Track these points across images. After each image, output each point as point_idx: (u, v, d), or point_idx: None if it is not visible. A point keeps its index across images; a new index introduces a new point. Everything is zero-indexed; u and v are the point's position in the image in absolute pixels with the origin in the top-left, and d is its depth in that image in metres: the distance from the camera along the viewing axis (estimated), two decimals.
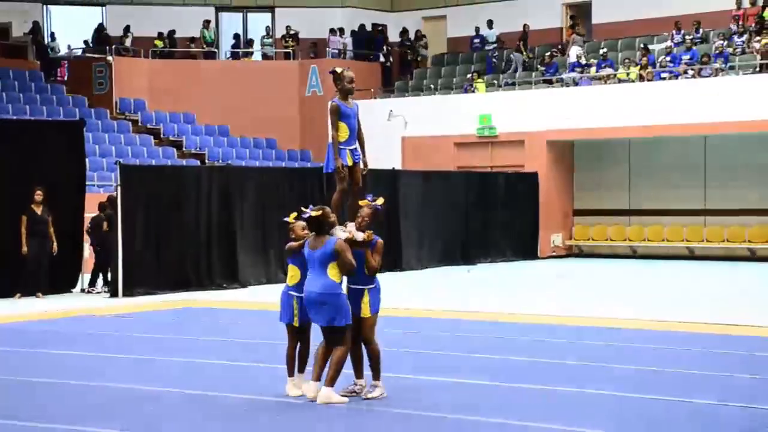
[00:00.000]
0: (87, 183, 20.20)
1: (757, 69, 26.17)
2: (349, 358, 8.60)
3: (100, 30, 33.03)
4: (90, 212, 19.32)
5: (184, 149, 29.98)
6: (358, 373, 8.80)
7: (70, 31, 33.97)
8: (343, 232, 8.56)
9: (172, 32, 33.08)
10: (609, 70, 28.41)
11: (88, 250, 19.39)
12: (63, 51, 33.60)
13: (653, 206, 27.93)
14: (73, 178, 18.95)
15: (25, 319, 14.96)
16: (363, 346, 8.71)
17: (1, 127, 19.40)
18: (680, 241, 27.35)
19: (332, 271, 8.43)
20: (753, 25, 27.88)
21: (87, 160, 21.33)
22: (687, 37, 28.35)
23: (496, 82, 30.41)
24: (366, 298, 8.58)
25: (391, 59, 34.38)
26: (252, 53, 34.32)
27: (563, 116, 27.28)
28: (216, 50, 33.55)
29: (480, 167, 28.36)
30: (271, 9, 35.08)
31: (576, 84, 28.66)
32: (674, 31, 29.01)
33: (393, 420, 8.05)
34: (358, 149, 9.07)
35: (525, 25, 32.07)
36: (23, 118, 26.17)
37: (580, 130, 27.31)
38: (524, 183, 27.50)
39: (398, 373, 9.52)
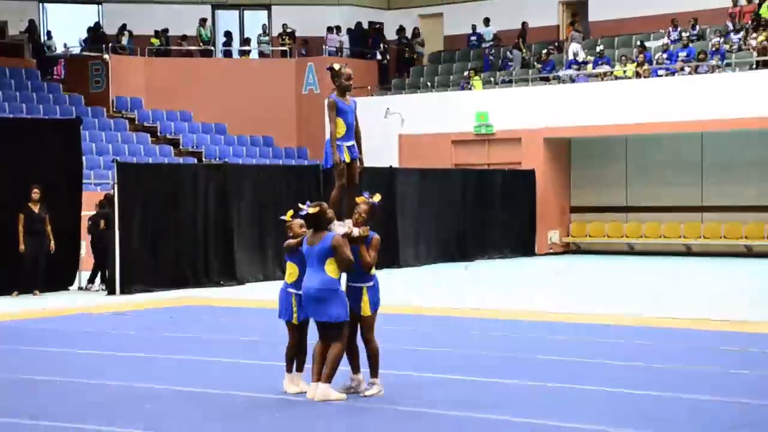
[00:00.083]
0: (84, 181, 20.21)
1: (754, 66, 26.19)
2: (345, 354, 8.60)
3: (96, 29, 32.99)
4: (87, 211, 19.33)
5: (181, 147, 29.97)
6: (355, 368, 8.80)
7: (66, 29, 33.93)
8: (341, 228, 8.57)
9: (165, 30, 33.05)
10: (606, 68, 28.42)
11: (85, 249, 19.40)
12: (59, 49, 33.57)
13: (650, 203, 27.95)
14: (70, 176, 18.95)
15: (23, 317, 14.95)
16: (359, 341, 8.72)
17: None
18: (677, 237, 27.38)
19: (330, 267, 8.44)
20: (749, 22, 27.89)
21: (84, 158, 21.34)
22: (684, 34, 28.35)
23: (492, 79, 30.41)
24: (365, 296, 8.59)
25: (387, 57, 34.37)
26: (249, 51, 34.29)
27: (560, 114, 27.29)
28: (212, 48, 33.53)
29: (477, 165, 28.37)
30: (267, 7, 35.07)
31: (573, 81, 28.67)
32: (671, 29, 29.01)
33: (391, 417, 8.06)
34: (355, 146, 9.07)
35: (524, 23, 32.08)
36: (20, 116, 26.17)
37: (577, 127, 27.32)
38: (521, 180, 27.51)
39: (396, 370, 9.52)
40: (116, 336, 12.84)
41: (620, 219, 28.42)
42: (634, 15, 31.02)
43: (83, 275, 19.23)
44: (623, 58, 28.54)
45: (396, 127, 29.53)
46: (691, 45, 27.75)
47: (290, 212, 8.94)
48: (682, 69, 27.17)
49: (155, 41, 32.84)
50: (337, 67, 9.10)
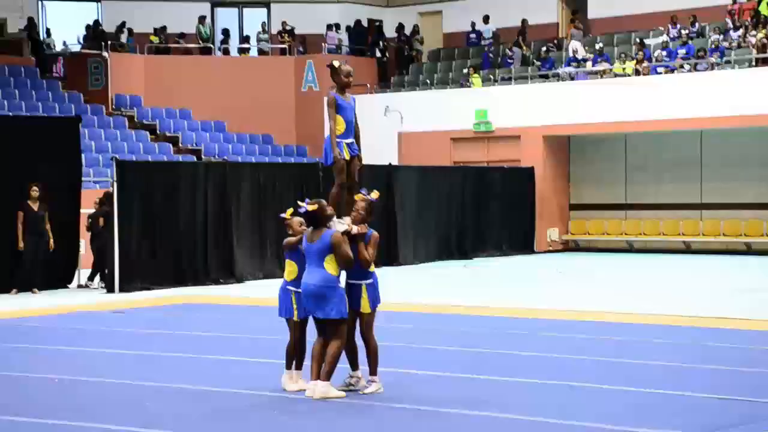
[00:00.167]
0: (83, 179, 20.20)
1: (753, 63, 26.19)
2: (344, 352, 8.60)
3: (95, 26, 32.95)
4: (86, 208, 19.32)
5: (180, 145, 29.94)
6: (354, 366, 8.80)
7: (65, 27, 33.91)
8: (341, 225, 8.56)
9: (163, 28, 33.01)
10: (605, 65, 28.41)
11: (84, 246, 19.40)
12: (59, 47, 33.54)
13: (650, 200, 27.95)
14: (69, 174, 18.94)
15: (22, 315, 14.94)
16: (358, 339, 8.72)
17: None
18: (677, 235, 27.37)
19: (330, 265, 8.43)
20: (748, 19, 27.88)
21: (83, 156, 21.31)
22: (683, 31, 28.35)
23: (492, 77, 30.40)
24: (365, 294, 8.59)
25: (387, 54, 34.36)
26: (248, 49, 34.27)
27: (559, 111, 27.27)
28: (212, 46, 33.50)
29: (476, 162, 28.37)
30: (266, 4, 35.05)
31: (572, 79, 28.66)
32: (670, 26, 29.02)
33: (391, 415, 8.05)
34: (355, 143, 9.06)
35: (524, 20, 32.06)
36: (19, 114, 26.15)
37: (576, 125, 27.31)
38: (520, 178, 27.50)
39: (395, 367, 9.52)
40: (115, 334, 12.83)
41: (619, 216, 28.41)
42: (634, 12, 31.02)
43: (82, 273, 19.22)
44: (622, 55, 28.53)
45: (395, 124, 29.52)
46: (690, 42, 27.75)
47: (290, 210, 8.93)
48: (681, 66, 27.16)
49: (154, 39, 32.81)
50: (336, 64, 9.10)
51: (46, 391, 9.14)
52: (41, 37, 32.86)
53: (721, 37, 27.40)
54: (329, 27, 33.86)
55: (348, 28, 34.53)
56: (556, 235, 28.39)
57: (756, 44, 26.40)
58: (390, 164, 25.27)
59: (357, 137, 9.11)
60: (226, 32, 34.05)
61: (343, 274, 8.64)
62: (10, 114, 25.74)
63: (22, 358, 11.05)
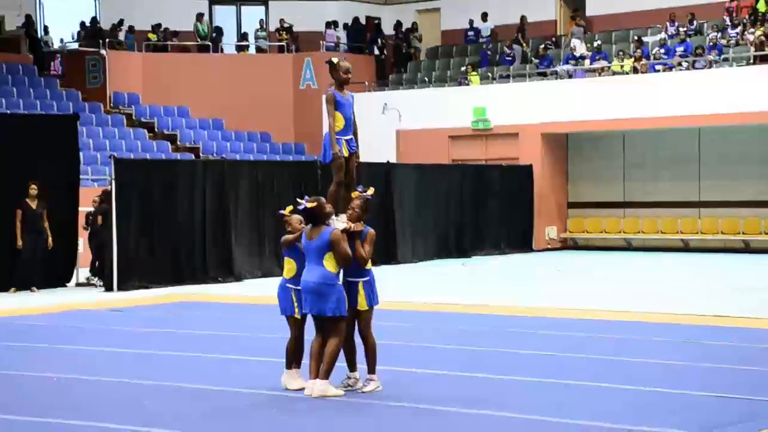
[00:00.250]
0: (81, 177, 20.19)
1: (751, 61, 26.20)
2: (342, 351, 8.60)
3: (93, 23, 32.91)
4: (84, 206, 19.31)
5: (178, 143, 29.94)
6: (352, 366, 8.79)
7: (63, 24, 33.88)
8: (340, 223, 8.56)
9: (158, 25, 32.98)
10: (603, 63, 28.41)
11: (82, 245, 19.40)
12: (56, 45, 33.52)
13: (648, 198, 27.95)
14: (68, 172, 18.92)
15: (20, 313, 14.93)
16: (356, 339, 8.72)
17: None
18: (675, 233, 27.38)
19: (329, 262, 8.44)
20: (747, 17, 27.89)
21: (81, 154, 21.30)
22: (681, 29, 28.36)
23: (490, 74, 30.39)
24: (362, 291, 8.59)
25: (385, 52, 34.35)
26: (246, 47, 34.24)
27: (558, 109, 27.27)
28: (210, 44, 33.48)
29: (474, 160, 28.37)
30: (264, 2, 35.03)
31: (570, 77, 28.65)
32: (668, 24, 29.03)
33: (389, 414, 8.05)
34: (354, 140, 9.06)
35: (523, 17, 32.05)
36: (17, 112, 26.12)
37: (574, 122, 27.32)
38: (519, 176, 27.50)
39: (393, 366, 9.52)
40: (113, 332, 12.82)
41: (618, 214, 28.42)
42: (632, 10, 31.02)
43: (81, 271, 19.21)
44: (621, 53, 28.53)
45: (393, 122, 29.51)
46: (688, 40, 27.75)
47: (290, 207, 8.93)
48: (679, 64, 27.17)
49: (152, 36, 32.78)
50: (335, 60, 9.10)
51: (44, 389, 9.14)
52: (39, 35, 32.83)
53: (719, 34, 27.41)
54: (328, 25, 33.84)
55: (345, 25, 34.52)
56: (555, 233, 28.40)
57: (754, 42, 26.40)
58: (388, 162, 25.26)
59: (355, 134, 9.11)
60: (219, 30, 34.01)
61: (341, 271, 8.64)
62: (8, 112, 25.71)
63: (21, 356, 11.05)
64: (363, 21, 35.01)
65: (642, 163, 28.10)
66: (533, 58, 30.51)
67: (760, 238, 26.21)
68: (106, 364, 10.42)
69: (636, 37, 28.79)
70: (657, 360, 10.19)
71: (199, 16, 33.39)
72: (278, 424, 7.89)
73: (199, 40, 33.18)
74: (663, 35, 28.58)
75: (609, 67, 28.24)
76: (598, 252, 27.16)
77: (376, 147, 26.08)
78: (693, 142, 27.25)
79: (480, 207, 26.18)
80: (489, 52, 31.83)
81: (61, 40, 33.64)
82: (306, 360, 8.77)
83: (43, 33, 33.40)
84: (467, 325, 13.08)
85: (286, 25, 33.75)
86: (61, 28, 33.92)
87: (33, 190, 17.75)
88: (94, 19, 33.23)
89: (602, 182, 28.63)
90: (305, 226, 8.66)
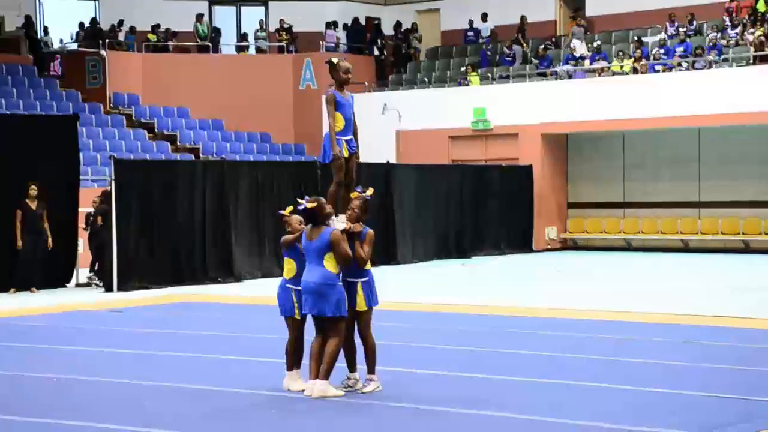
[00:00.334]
0: (81, 178, 20.19)
1: (751, 61, 26.20)
2: (342, 351, 8.60)
3: (92, 24, 32.92)
4: (84, 207, 19.32)
5: (178, 143, 29.94)
6: (352, 367, 8.79)
7: (63, 25, 33.88)
8: (340, 223, 8.57)
9: (157, 26, 32.98)
10: (603, 63, 28.42)
11: (82, 245, 19.41)
12: (56, 45, 33.52)
13: (648, 199, 27.95)
14: (68, 172, 18.92)
15: (20, 314, 14.93)
16: (356, 340, 8.72)
17: None
18: (675, 233, 27.38)
19: (329, 262, 8.44)
20: (746, 17, 27.89)
21: (81, 154, 21.31)
22: (681, 29, 28.37)
23: (490, 75, 30.40)
24: (360, 292, 8.59)
25: (385, 52, 34.35)
26: (246, 47, 34.24)
27: (557, 109, 27.28)
28: (209, 44, 33.49)
29: (474, 160, 28.38)
30: (264, 2, 35.03)
31: (570, 77, 28.66)
32: (668, 24, 29.04)
33: (389, 414, 8.05)
34: (354, 140, 9.06)
35: (522, 17, 32.05)
36: (17, 112, 26.13)
37: (574, 122, 27.32)
38: (519, 176, 27.50)
39: (393, 366, 9.52)
40: (113, 333, 12.82)
41: (617, 215, 28.42)
42: (632, 10, 31.03)
43: (81, 272, 19.22)
44: (620, 53, 28.54)
45: (393, 122, 29.51)
46: (688, 40, 27.76)
47: (290, 208, 8.93)
48: (679, 64, 27.17)
49: (152, 37, 32.79)
50: (335, 60, 9.10)
51: (44, 390, 9.14)
52: (39, 36, 32.84)
53: (719, 34, 27.41)
54: (328, 25, 33.84)
55: (345, 26, 34.52)
56: (555, 234, 28.40)
57: (754, 42, 26.40)
58: (388, 162, 25.26)
59: (355, 135, 9.11)
60: (216, 31, 34.00)
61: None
62: (8, 113, 25.71)
63: (21, 357, 11.05)
64: (363, 21, 35.01)
65: (642, 163, 28.11)
66: (533, 59, 30.52)
67: (760, 238, 26.21)
68: (106, 364, 10.41)
69: (636, 38, 28.80)
70: (657, 360, 10.19)
71: (199, 17, 33.39)
72: (278, 424, 7.89)
73: (198, 40, 33.18)
74: (663, 35, 28.59)
75: (609, 68, 28.24)
76: (597, 252, 27.16)
77: (376, 147, 26.08)
78: (693, 142, 27.25)
79: (480, 207, 26.19)
80: (489, 53, 31.84)
81: (61, 41, 33.64)
82: (306, 360, 8.77)
83: (42, 34, 33.40)
84: (467, 326, 13.08)
85: (285, 26, 33.76)
86: (60, 28, 33.92)
87: (33, 190, 17.75)
88: (93, 20, 33.23)
89: (602, 182, 28.64)
90: (305, 227, 8.66)
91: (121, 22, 32.69)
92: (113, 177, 18.24)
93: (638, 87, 26.62)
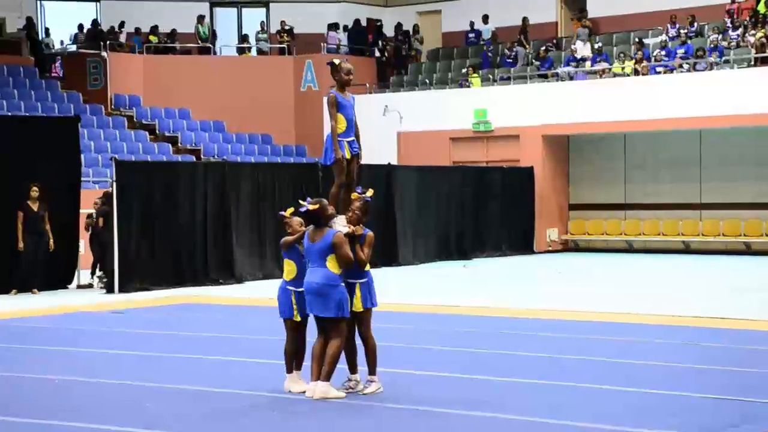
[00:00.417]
0: (82, 179, 20.20)
1: (752, 63, 26.19)
2: (342, 353, 8.60)
3: (94, 25, 32.94)
4: (85, 209, 19.32)
5: (179, 145, 29.95)
6: (352, 368, 8.79)
7: (64, 26, 33.90)
8: (343, 227, 8.57)
9: (155, 27, 32.98)
10: (604, 65, 28.42)
11: (83, 247, 19.41)
12: (57, 47, 33.53)
13: (649, 200, 27.95)
14: (69, 174, 18.93)
15: (21, 315, 14.93)
16: (357, 341, 8.72)
17: None
18: (676, 235, 27.38)
19: (332, 263, 8.44)
20: (747, 18, 27.89)
21: (82, 156, 21.31)
22: (682, 31, 28.37)
23: (491, 76, 30.41)
24: (358, 293, 8.59)
25: (386, 54, 34.35)
26: (248, 48, 34.25)
27: (558, 111, 27.28)
28: (210, 45, 33.50)
29: (475, 162, 28.37)
30: (265, 4, 35.05)
31: (571, 79, 28.66)
32: (669, 25, 29.03)
33: (390, 415, 8.05)
34: (356, 141, 9.07)
35: (524, 18, 32.05)
36: (18, 114, 26.14)
37: (575, 124, 27.32)
38: (520, 178, 27.50)
39: (394, 368, 9.52)
40: (114, 334, 12.82)
41: (619, 216, 28.41)
42: (633, 12, 31.03)
43: (82, 274, 19.22)
44: (621, 54, 28.54)
45: (394, 124, 29.52)
46: (689, 42, 27.76)
47: (290, 209, 8.94)
48: (680, 66, 27.17)
49: (153, 38, 32.80)
50: (337, 62, 9.11)
51: (45, 391, 9.14)
52: (40, 37, 32.86)
53: (720, 36, 27.41)
54: (330, 27, 33.85)
55: (345, 27, 34.52)
56: (556, 235, 28.39)
57: (755, 44, 26.40)
58: (389, 164, 25.27)
59: (357, 136, 9.12)
60: (213, 33, 33.97)
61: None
62: (9, 114, 25.73)
63: (22, 358, 11.05)
64: (364, 23, 35.02)
65: (643, 164, 28.11)
66: (534, 60, 30.52)
67: (762, 239, 26.21)
68: (106, 366, 10.42)
69: (637, 39, 28.80)
70: (658, 362, 10.19)
71: (200, 18, 33.41)
72: (279, 425, 7.89)
73: (200, 42, 33.20)
74: (664, 37, 28.59)
75: (610, 69, 28.24)
76: (599, 254, 27.15)
77: (377, 149, 26.08)
78: (694, 144, 27.25)
79: (481, 209, 26.18)
80: (490, 54, 31.85)
81: (62, 42, 33.66)
82: (307, 362, 8.77)
83: (44, 35, 33.42)
84: (468, 327, 13.08)
85: (286, 27, 33.76)
86: (62, 30, 33.94)
87: (34, 192, 17.76)
88: (95, 21, 33.24)
89: (603, 184, 28.63)
90: (305, 228, 8.66)
91: (122, 24, 32.70)
92: (114, 178, 18.24)
93: (639, 88, 26.61)
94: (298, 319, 8.79)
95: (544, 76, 29.41)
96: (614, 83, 27.39)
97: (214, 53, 33.75)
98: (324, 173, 19.77)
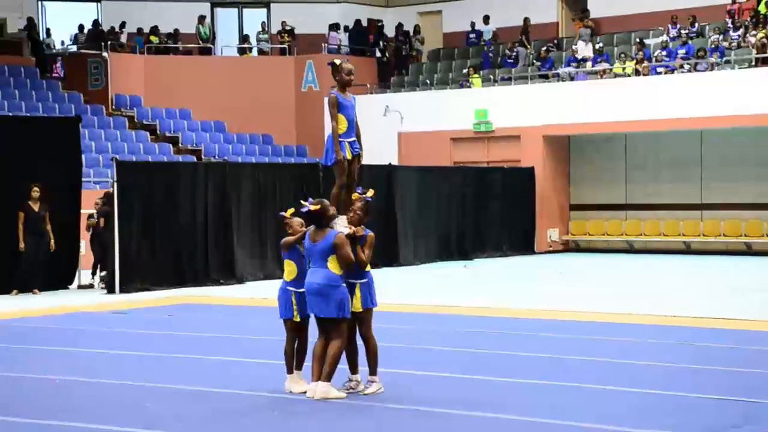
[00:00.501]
0: (83, 179, 20.21)
1: (753, 63, 26.19)
2: (344, 353, 8.60)
3: (95, 25, 32.95)
4: (86, 209, 19.32)
5: (180, 145, 29.95)
6: (353, 369, 8.79)
7: (65, 27, 33.91)
8: (344, 227, 8.56)
9: (156, 28, 32.98)
10: (605, 65, 28.41)
11: (84, 247, 19.42)
12: (58, 47, 33.54)
13: (650, 201, 27.95)
14: (70, 174, 18.93)
15: (22, 315, 14.93)
16: (358, 341, 8.72)
17: None
18: (677, 235, 27.37)
19: (333, 264, 8.44)
20: (748, 19, 27.89)
21: (83, 156, 21.31)
22: (683, 31, 28.37)
23: (492, 77, 30.41)
24: (357, 293, 8.59)
25: (387, 54, 34.36)
26: (249, 49, 34.25)
27: (559, 111, 27.27)
28: (212, 46, 33.50)
29: (476, 162, 28.37)
30: (266, 4, 35.05)
31: (572, 79, 28.66)
32: (670, 26, 29.03)
33: (391, 415, 8.05)
34: (357, 142, 9.07)
35: (526, 19, 32.04)
36: (19, 114, 26.15)
37: (576, 124, 27.31)
38: (521, 178, 27.50)
39: (395, 368, 9.52)
40: (115, 335, 12.82)
41: (620, 217, 28.41)
42: (633, 12, 31.03)
43: (83, 274, 19.23)
44: (622, 55, 28.53)
45: (395, 124, 29.52)
46: (690, 42, 27.76)
47: (291, 210, 8.94)
48: (681, 66, 27.17)
49: (154, 39, 32.81)
50: (338, 62, 9.11)
51: (46, 391, 9.14)
52: (41, 38, 32.87)
53: (721, 37, 27.41)
54: (331, 27, 33.85)
55: (346, 28, 34.51)
56: (557, 236, 28.39)
57: (755, 44, 26.40)
58: (390, 164, 25.27)
59: (358, 136, 9.12)
60: (214, 33, 33.98)
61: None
62: (10, 114, 25.73)
63: (22, 358, 11.05)
64: (365, 23, 35.02)
65: (644, 165, 28.10)
66: (535, 61, 30.52)
67: (762, 240, 26.20)
68: (107, 366, 10.42)
69: (638, 40, 28.79)
70: (659, 362, 10.18)
71: (201, 19, 33.41)
72: (279, 426, 7.89)
73: (200, 42, 33.20)
74: (665, 37, 28.59)
75: (611, 70, 28.23)
76: (600, 254, 27.15)
77: (378, 149, 26.07)
78: (695, 144, 27.25)
79: (481, 209, 26.18)
80: (491, 55, 31.85)
81: (62, 43, 33.67)
82: (308, 362, 8.77)
83: (45, 35, 33.43)
84: (468, 327, 13.08)
85: (287, 28, 33.76)
86: (63, 30, 33.95)
87: (35, 192, 17.76)
88: (96, 22, 33.25)
89: (604, 184, 28.63)
90: (306, 228, 8.66)
91: (123, 24, 32.70)
92: (115, 179, 18.24)
93: (640, 89, 26.61)
94: (298, 319, 8.79)
95: (545, 77, 29.40)
96: (615, 84, 27.39)
97: (215, 53, 33.75)
98: (325, 173, 19.76)
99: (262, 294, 16.78)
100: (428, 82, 31.59)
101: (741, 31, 27.49)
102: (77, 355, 11.27)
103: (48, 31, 33.75)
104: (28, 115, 26.31)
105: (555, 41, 31.67)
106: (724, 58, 26.62)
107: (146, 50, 32.32)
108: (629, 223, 28.15)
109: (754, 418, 7.73)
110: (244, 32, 34.81)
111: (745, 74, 25.67)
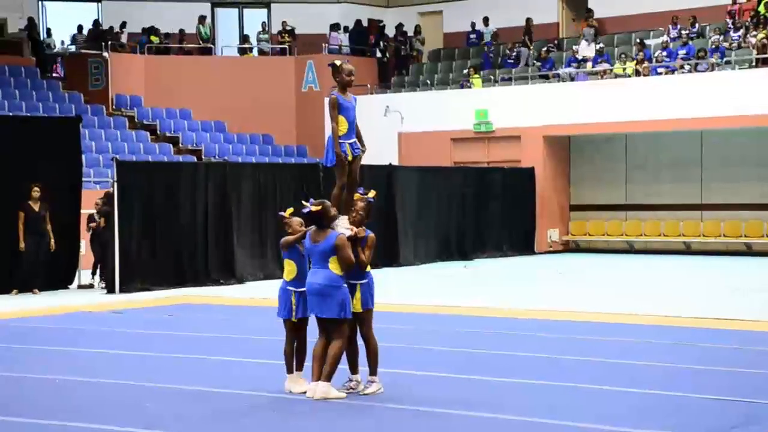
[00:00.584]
0: (83, 179, 20.20)
1: (753, 64, 26.19)
2: (344, 353, 8.60)
3: (95, 25, 32.95)
4: (87, 209, 19.33)
5: (180, 145, 29.96)
6: (353, 369, 8.79)
7: (65, 27, 33.91)
8: (345, 227, 8.56)
9: (156, 28, 32.97)
10: (605, 65, 28.41)
11: (84, 247, 19.42)
12: (59, 47, 33.54)
13: (650, 201, 27.94)
14: (70, 174, 18.94)
15: (22, 315, 14.94)
16: (358, 341, 8.72)
17: None
18: (677, 236, 27.37)
19: (334, 264, 8.44)
20: (749, 19, 27.89)
21: (83, 156, 21.31)
22: (683, 32, 28.36)
23: (492, 77, 30.41)
24: (357, 294, 8.59)
25: (387, 55, 34.36)
26: (250, 49, 34.25)
27: (560, 111, 27.27)
28: (212, 46, 33.50)
29: (477, 163, 28.37)
30: (267, 4, 35.06)
31: (572, 79, 28.66)
32: (670, 26, 29.03)
33: (391, 416, 8.05)
34: (357, 142, 9.07)
35: (528, 19, 32.03)
36: (19, 114, 26.15)
37: (576, 125, 27.31)
38: (521, 178, 27.50)
39: (395, 368, 9.52)
40: (115, 334, 12.82)
41: (620, 217, 28.41)
42: (634, 12, 31.03)
43: (83, 274, 19.23)
44: (623, 55, 28.53)
45: (395, 125, 29.52)
46: (690, 43, 27.75)
47: (290, 209, 8.94)
48: (681, 67, 27.17)
49: (154, 39, 32.81)
50: (338, 63, 9.11)
51: (46, 391, 9.14)
52: (41, 37, 32.88)
53: (721, 37, 27.41)
54: (332, 27, 33.85)
55: (347, 28, 34.51)
56: (557, 236, 28.39)
57: (756, 45, 26.40)
58: (390, 164, 25.27)
59: (359, 136, 9.12)
60: (214, 34, 33.99)
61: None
62: (11, 114, 25.74)
63: (22, 358, 11.05)
64: (365, 24, 35.01)
65: (644, 165, 28.11)
66: (535, 61, 30.52)
67: (762, 240, 26.20)
68: (107, 366, 10.42)
69: (638, 40, 28.79)
70: (659, 363, 10.18)
71: (202, 19, 33.41)
72: (279, 426, 7.89)
73: (201, 42, 33.20)
74: (665, 38, 28.58)
75: (611, 70, 28.24)
76: (600, 254, 27.15)
77: (378, 149, 26.01)
78: (695, 144, 27.25)
79: (482, 209, 26.18)
80: (491, 55, 31.85)
81: (63, 43, 33.67)
82: (308, 362, 8.77)
83: (45, 36, 33.43)
84: (468, 328, 13.08)
85: (288, 28, 33.77)
86: (63, 30, 33.95)
87: (35, 192, 17.76)
88: (96, 22, 33.26)
89: (604, 185, 28.63)
90: (306, 228, 8.66)
91: (123, 24, 32.71)
92: (116, 179, 18.24)
93: (640, 89, 26.61)
94: (295, 319, 8.79)
95: (546, 77, 29.40)
96: (615, 84, 27.39)
97: (216, 54, 33.76)
98: (325, 173, 19.77)
99: (262, 294, 16.78)
100: (429, 82, 31.58)
101: (741, 32, 27.50)
102: (77, 355, 11.27)
103: (48, 31, 33.76)
104: (28, 115, 26.31)
105: (555, 41, 31.67)
106: (725, 59, 26.63)
107: (146, 50, 32.31)
108: (629, 223, 28.16)
109: (754, 418, 7.73)
110: (245, 32, 34.82)
111: (746, 75, 25.68)
